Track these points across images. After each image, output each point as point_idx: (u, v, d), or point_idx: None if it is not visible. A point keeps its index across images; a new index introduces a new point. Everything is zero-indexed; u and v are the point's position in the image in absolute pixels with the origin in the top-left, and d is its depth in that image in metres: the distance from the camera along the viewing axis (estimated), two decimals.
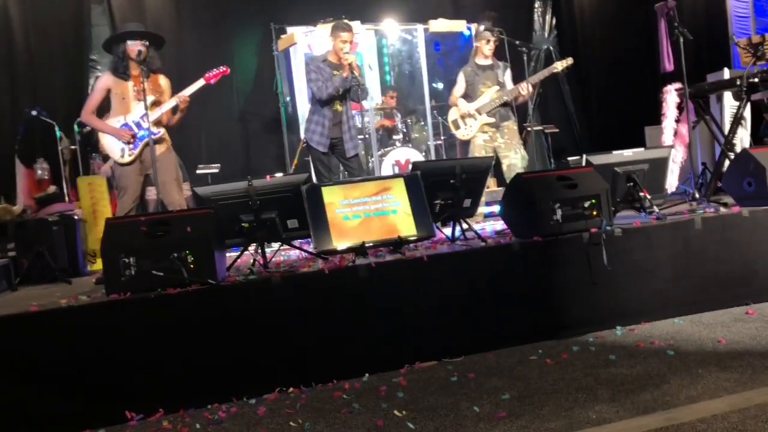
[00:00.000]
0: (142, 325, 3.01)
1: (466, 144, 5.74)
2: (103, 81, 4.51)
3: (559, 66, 5.52)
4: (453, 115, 5.73)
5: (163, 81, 4.62)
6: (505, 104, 5.53)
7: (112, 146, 4.45)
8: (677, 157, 6.13)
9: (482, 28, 5.66)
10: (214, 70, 4.71)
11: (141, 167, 4.48)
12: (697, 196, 4.74)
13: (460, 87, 5.67)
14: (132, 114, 4.44)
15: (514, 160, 5.50)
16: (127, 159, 4.43)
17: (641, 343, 3.30)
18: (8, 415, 2.84)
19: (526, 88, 5.39)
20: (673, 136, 5.65)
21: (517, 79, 5.64)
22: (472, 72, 5.63)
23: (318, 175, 5.27)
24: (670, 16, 4.78)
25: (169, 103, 4.51)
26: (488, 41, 5.57)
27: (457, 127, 5.69)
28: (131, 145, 4.41)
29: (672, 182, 6.27)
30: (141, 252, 3.13)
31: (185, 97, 4.51)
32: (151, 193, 5.91)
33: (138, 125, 4.42)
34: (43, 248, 4.60)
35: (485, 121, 5.52)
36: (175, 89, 4.62)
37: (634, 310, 3.68)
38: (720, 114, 6.43)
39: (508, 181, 5.56)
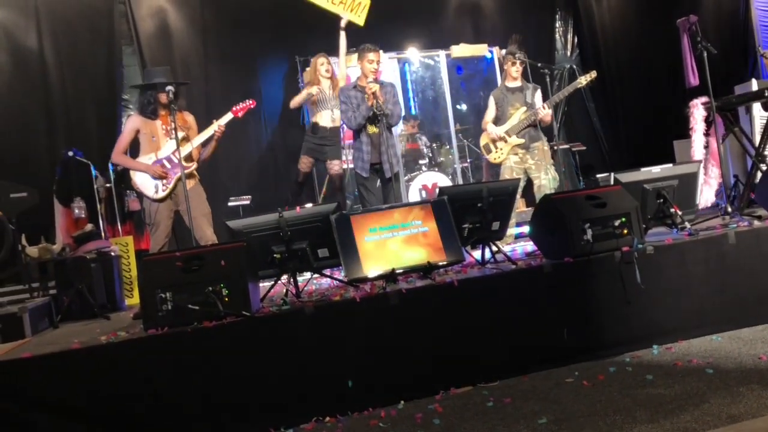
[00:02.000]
0: (179, 359, 3.07)
1: (495, 167, 5.76)
2: (131, 122, 4.67)
3: (584, 80, 5.54)
4: (484, 139, 5.78)
5: (189, 117, 4.77)
6: (533, 125, 5.55)
7: (146, 183, 4.57)
8: (713, 173, 6.06)
9: (506, 51, 5.71)
10: (241, 103, 4.83)
11: (173, 202, 4.60)
12: (729, 210, 4.68)
13: (491, 111, 5.72)
14: (162, 151, 4.57)
15: (545, 181, 5.49)
16: (161, 195, 4.55)
17: (679, 361, 3.26)
18: None
19: (543, 109, 5.43)
20: (703, 150, 5.59)
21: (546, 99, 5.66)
22: (501, 94, 5.68)
23: (362, 201, 5.37)
24: (692, 31, 4.77)
25: (205, 134, 4.64)
26: (514, 63, 5.62)
27: (489, 152, 5.73)
28: (165, 181, 4.53)
29: (708, 197, 6.19)
30: (177, 287, 3.21)
31: (222, 126, 4.64)
32: None
33: (169, 160, 4.54)
34: (82, 285, 4.71)
35: (515, 142, 5.54)
36: (204, 124, 4.75)
37: (670, 328, 3.63)
38: (750, 125, 6.36)
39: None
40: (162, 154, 4.57)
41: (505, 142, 5.58)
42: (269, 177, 7.90)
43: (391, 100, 5.31)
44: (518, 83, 5.67)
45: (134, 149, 4.75)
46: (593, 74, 5.58)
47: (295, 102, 6.50)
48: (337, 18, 6.13)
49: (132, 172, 4.71)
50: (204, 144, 4.70)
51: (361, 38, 5.52)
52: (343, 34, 6.15)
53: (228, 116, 4.73)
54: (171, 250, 4.36)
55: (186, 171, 4.48)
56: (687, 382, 2.94)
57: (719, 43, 7.67)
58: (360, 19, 6.17)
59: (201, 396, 3.05)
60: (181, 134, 4.56)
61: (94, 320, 4.51)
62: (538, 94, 5.68)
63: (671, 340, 3.59)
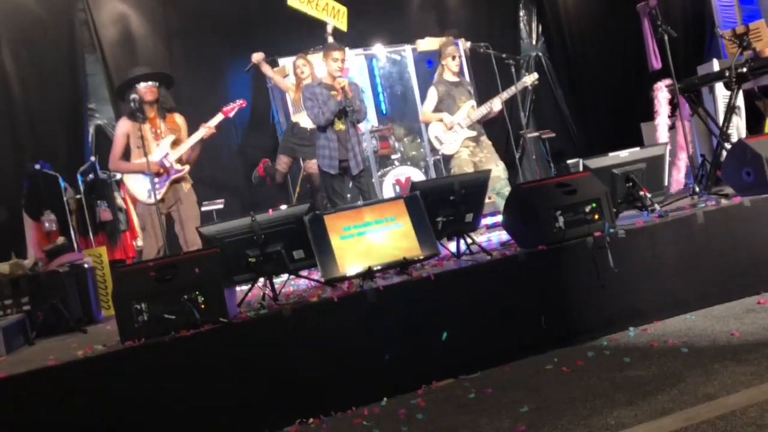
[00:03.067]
0: (158, 370, 3.05)
1: (448, 159, 5.74)
2: (121, 128, 4.62)
3: (528, 80, 5.64)
4: (433, 131, 5.73)
5: (179, 119, 4.73)
6: (479, 121, 5.62)
7: (139, 188, 4.52)
8: (682, 155, 6.15)
9: (468, 44, 5.76)
10: (231, 104, 4.81)
11: (164, 206, 4.57)
12: (697, 189, 4.76)
13: (431, 103, 5.71)
14: (153, 155, 4.51)
15: (497, 172, 5.53)
16: (154, 199, 4.52)
17: (655, 342, 3.31)
18: None
19: (496, 104, 5.48)
20: (668, 132, 5.68)
21: (504, 89, 5.70)
22: (444, 89, 5.68)
23: (331, 202, 5.34)
24: (652, 15, 4.82)
25: (196, 136, 4.60)
26: (454, 57, 5.66)
27: (441, 143, 5.70)
28: (158, 185, 4.48)
29: (679, 179, 6.28)
30: (151, 297, 3.18)
31: (212, 128, 4.61)
32: None
33: (161, 165, 4.50)
34: (56, 300, 4.64)
35: (468, 134, 5.58)
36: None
37: (645, 310, 3.69)
38: (713, 105, 6.46)
39: (491, 192, 5.55)
40: (152, 159, 4.52)
41: (456, 133, 5.59)
42: (241, 179, 7.85)
43: (358, 98, 5.31)
44: (457, 78, 5.73)
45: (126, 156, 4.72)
46: (535, 75, 5.75)
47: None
48: (320, 23, 6.19)
49: (125, 178, 4.66)
50: (193, 147, 4.68)
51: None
52: (330, 39, 6.19)
53: (218, 117, 4.71)
54: (144, 260, 4.33)
55: (179, 174, 4.45)
56: (663, 363, 2.99)
57: (681, 26, 7.80)
58: (343, 26, 6.33)
59: (182, 405, 3.03)
60: (171, 137, 4.52)
61: (70, 334, 4.44)
62: (472, 89, 5.77)
63: (647, 322, 3.65)
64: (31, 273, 5.02)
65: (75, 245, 5.99)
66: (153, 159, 4.50)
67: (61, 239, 5.59)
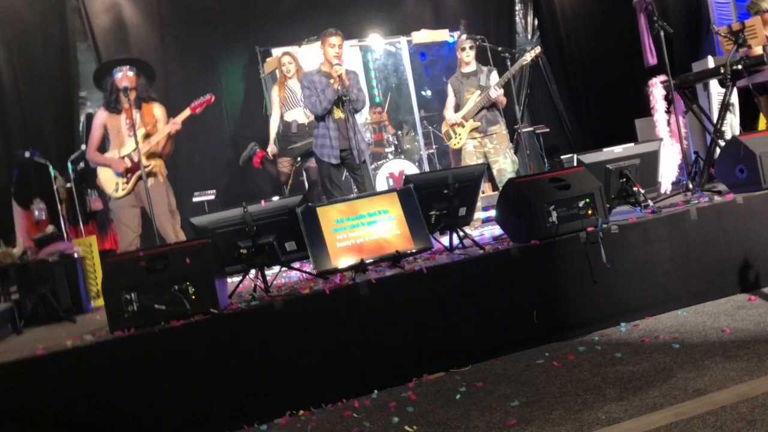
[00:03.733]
0: (148, 360, 3.02)
1: (459, 153, 5.80)
2: (98, 118, 4.58)
3: (528, 57, 5.58)
4: (444, 127, 5.86)
5: (158, 111, 4.67)
6: (491, 108, 5.59)
7: (108, 181, 4.49)
8: (675, 151, 6.15)
9: (464, 37, 5.75)
10: (200, 98, 4.75)
11: (135, 200, 4.53)
12: (691, 186, 4.76)
13: (450, 99, 5.81)
14: (125, 148, 4.48)
15: (504, 164, 5.53)
16: (120, 193, 4.48)
17: (646, 338, 3.31)
18: None
19: (494, 91, 5.46)
20: (667, 128, 5.67)
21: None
22: (457, 81, 5.74)
23: (326, 193, 5.27)
24: (648, 11, 4.81)
25: (162, 132, 4.55)
26: (464, 49, 5.67)
27: (449, 138, 5.79)
28: (124, 180, 4.44)
29: (673, 175, 6.27)
30: (142, 287, 3.15)
31: (177, 123, 4.55)
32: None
33: (131, 158, 4.46)
34: (45, 289, 4.60)
35: (472, 126, 5.59)
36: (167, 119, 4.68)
37: (637, 306, 3.69)
38: (708, 102, 6.46)
39: (499, 185, 5.59)
40: (124, 151, 4.49)
41: (462, 126, 5.62)
42: (233, 170, 7.81)
43: (356, 86, 5.25)
44: (472, 68, 5.72)
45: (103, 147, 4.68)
46: (538, 49, 5.64)
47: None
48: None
49: (98, 170, 4.62)
50: (164, 141, 4.63)
51: (322, 25, 5.46)
52: None
53: (185, 113, 4.65)
54: (134, 250, 4.30)
55: (146, 169, 4.39)
56: (654, 358, 2.99)
57: (677, 21, 7.80)
58: None
59: (172, 396, 3.01)
60: (142, 130, 4.47)
61: (59, 324, 4.41)
62: (494, 75, 5.72)
63: (638, 317, 3.65)
64: (20, 262, 4.98)
65: (65, 234, 5.94)
66: (124, 152, 4.48)
67: (50, 228, 5.53)
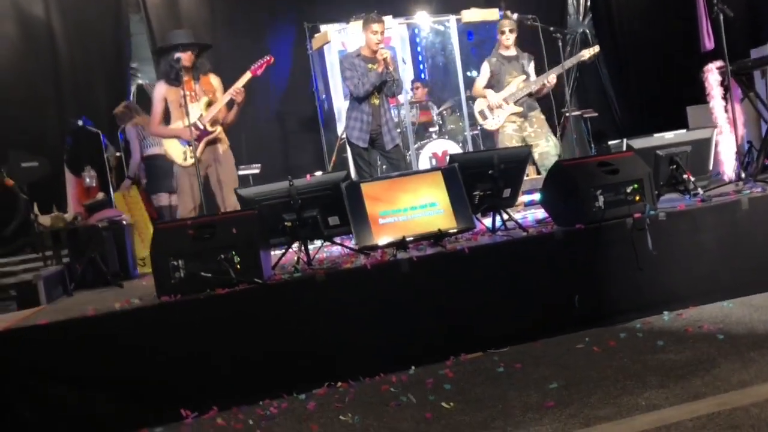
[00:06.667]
0: (193, 326, 3.10)
1: (494, 134, 5.72)
2: (159, 91, 4.69)
3: (587, 54, 5.50)
4: (480, 105, 5.70)
5: (215, 81, 4.77)
6: (530, 96, 5.52)
7: (176, 151, 4.60)
8: (730, 138, 5.97)
9: (514, 16, 5.65)
10: (259, 61, 4.80)
11: (201, 166, 4.64)
12: (743, 175, 4.63)
13: (483, 78, 5.65)
14: (189, 117, 4.57)
15: (546, 147, 5.46)
16: (190, 161, 4.59)
17: (689, 327, 3.26)
18: (68, 416, 2.96)
19: (549, 81, 5.38)
20: (724, 115, 5.51)
21: (551, 65, 5.59)
22: (497, 63, 5.60)
23: (358, 171, 5.33)
24: None
25: (223, 99, 4.64)
26: (503, 32, 5.56)
27: (485, 118, 5.66)
28: (191, 148, 4.54)
29: (727, 163, 6.09)
30: (189, 255, 3.22)
31: (240, 89, 4.63)
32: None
33: (196, 127, 4.55)
34: (94, 254, 4.74)
35: (513, 110, 5.50)
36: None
37: (681, 295, 3.62)
38: (766, 90, 6.25)
39: (541, 169, 5.53)
40: (188, 121, 4.59)
41: (503, 109, 5.53)
42: (277, 145, 7.90)
43: (396, 70, 5.28)
44: (513, 52, 5.63)
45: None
46: (596, 48, 5.62)
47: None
48: None
49: (164, 142, 4.73)
50: (229, 108, 4.72)
51: (371, 3, 5.44)
52: None
53: (246, 76, 4.71)
54: (182, 218, 4.39)
55: (211, 136, 4.50)
56: (697, 348, 2.94)
57: (737, 4, 7.51)
58: None
59: (213, 362, 3.09)
60: (205, 99, 4.56)
61: (107, 288, 4.55)
62: (532, 64, 5.64)
63: (682, 307, 3.58)
64: (71, 226, 5.14)
65: (113, 202, 6.10)
66: (186, 123, 4.57)
67: (100, 195, 5.69)
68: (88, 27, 6.93)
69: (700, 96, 5.74)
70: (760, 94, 5.70)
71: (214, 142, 4.60)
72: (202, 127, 4.51)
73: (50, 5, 6.77)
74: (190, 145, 4.54)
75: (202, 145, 4.58)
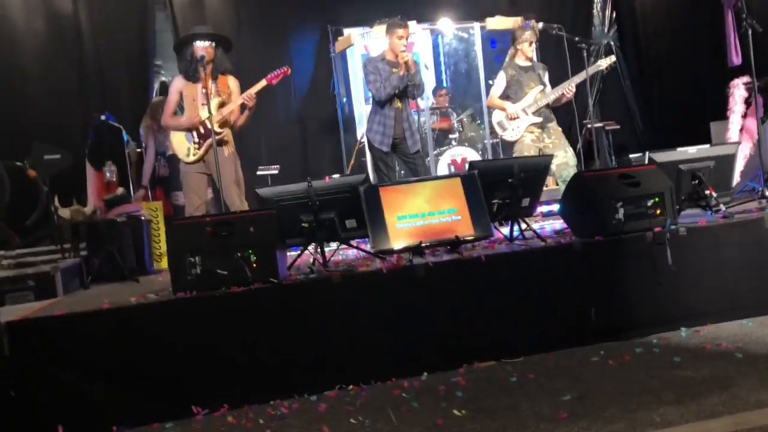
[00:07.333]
0: (207, 323, 3.11)
1: (512, 145, 5.65)
2: (175, 85, 4.72)
3: (603, 64, 5.45)
4: (498, 116, 5.63)
5: (232, 83, 4.78)
6: (547, 106, 5.48)
7: (180, 146, 4.63)
8: (744, 153, 5.91)
9: (540, 25, 5.61)
10: (276, 70, 4.80)
11: (204, 167, 4.65)
12: (766, 193, 4.56)
13: (499, 88, 5.58)
14: (200, 116, 4.60)
15: (565, 158, 5.40)
16: (192, 158, 4.62)
17: (707, 344, 3.21)
18: (81, 406, 2.97)
19: (569, 89, 5.33)
20: (739, 132, 5.44)
21: (574, 74, 5.55)
22: (515, 73, 5.55)
23: (378, 175, 5.34)
24: (737, 8, 4.61)
25: (235, 103, 4.65)
26: (531, 43, 5.52)
27: (504, 129, 5.59)
28: (196, 146, 4.56)
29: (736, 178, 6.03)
30: (206, 252, 3.24)
31: (252, 95, 4.64)
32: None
33: (204, 126, 4.58)
34: (112, 248, 4.77)
35: (532, 121, 5.45)
36: (240, 91, 4.77)
37: (699, 312, 3.58)
38: None
39: (559, 179, 5.49)
40: (199, 120, 4.61)
41: (521, 120, 5.49)
42: (297, 146, 7.91)
43: (419, 74, 5.29)
44: (529, 63, 5.58)
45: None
46: (612, 58, 5.59)
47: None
48: None
49: (172, 134, 4.76)
50: (241, 110, 4.73)
51: (396, 7, 5.45)
52: None
53: (261, 83, 4.72)
54: (201, 215, 4.41)
55: (217, 137, 4.50)
56: (715, 365, 2.90)
57: (766, 21, 7.42)
58: None
59: (226, 360, 3.09)
60: (217, 99, 4.58)
61: (124, 282, 4.58)
62: (547, 74, 5.60)
63: (700, 324, 3.54)
64: (90, 220, 5.18)
65: (132, 197, 6.14)
66: (199, 120, 4.60)
67: (120, 190, 5.73)
68: (114, 23, 6.99)
69: (725, 111, 5.68)
70: None
71: (219, 143, 4.61)
72: (209, 126, 4.53)
73: (78, 0, 6.86)
74: (195, 143, 4.57)
75: (206, 145, 4.59)
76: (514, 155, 5.58)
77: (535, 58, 5.63)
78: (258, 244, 3.26)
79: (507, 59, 5.68)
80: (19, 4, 6.72)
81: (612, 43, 8.93)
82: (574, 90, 5.39)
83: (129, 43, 7.09)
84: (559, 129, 5.56)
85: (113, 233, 4.93)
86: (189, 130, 4.63)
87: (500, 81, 5.60)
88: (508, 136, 5.60)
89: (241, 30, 7.58)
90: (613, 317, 3.51)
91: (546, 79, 5.58)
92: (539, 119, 5.46)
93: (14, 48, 6.63)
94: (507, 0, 8.45)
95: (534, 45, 5.56)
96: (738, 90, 5.40)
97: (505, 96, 5.57)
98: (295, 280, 3.32)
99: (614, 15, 8.95)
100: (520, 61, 5.58)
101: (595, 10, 8.97)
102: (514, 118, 5.48)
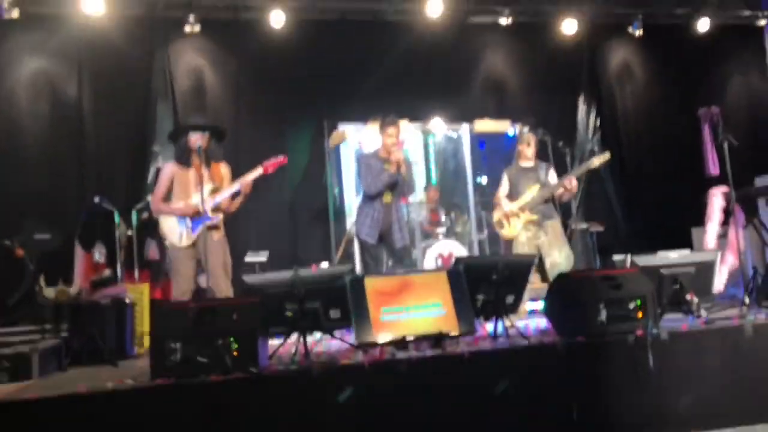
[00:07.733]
0: (183, 411, 3.05)
1: (510, 242, 5.78)
2: (168, 170, 4.80)
3: (596, 161, 5.62)
4: (497, 215, 5.82)
5: (224, 169, 4.88)
6: (547, 202, 5.61)
7: (172, 230, 4.66)
8: (728, 263, 6.01)
9: (525, 130, 5.84)
10: (272, 159, 4.91)
11: (194, 252, 4.67)
12: (747, 301, 4.62)
13: (504, 188, 5.81)
14: (192, 200, 4.66)
15: (558, 258, 5.49)
16: (185, 243, 4.64)
17: None
18: None
19: (570, 182, 5.47)
20: (716, 240, 5.56)
21: (560, 176, 5.71)
22: (515, 173, 5.76)
23: (365, 266, 5.37)
24: (714, 122, 4.83)
25: (230, 189, 4.73)
26: (529, 144, 5.73)
27: (502, 227, 5.76)
28: (190, 229, 4.60)
29: (719, 287, 6.10)
30: (187, 338, 3.22)
31: (248, 182, 4.72)
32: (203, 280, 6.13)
33: (197, 211, 4.63)
34: (94, 330, 4.72)
35: (528, 218, 5.58)
36: (233, 177, 4.87)
37: (682, 418, 3.54)
38: None
39: (551, 279, 5.54)
40: (191, 203, 4.68)
41: (518, 217, 5.62)
42: (287, 235, 7.96)
43: (409, 170, 5.43)
44: (531, 163, 5.78)
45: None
46: (606, 155, 5.70)
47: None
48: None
49: (162, 219, 4.79)
50: (233, 197, 4.81)
51: (390, 105, 5.65)
52: None
53: (257, 171, 4.81)
54: (185, 300, 4.40)
55: (212, 222, 4.57)
56: None
57: (743, 133, 7.73)
58: None
59: None
60: (210, 186, 4.66)
61: (102, 366, 4.50)
62: (552, 171, 5.76)
63: (683, 430, 3.49)
64: (74, 301, 5.15)
65: (119, 279, 6.13)
66: (191, 204, 4.67)
67: (107, 272, 5.74)
68: (116, 109, 7.21)
69: (704, 218, 5.82)
70: (765, 222, 5.78)
71: (210, 228, 4.67)
72: (203, 211, 4.60)
73: (83, 85, 7.08)
74: (188, 227, 4.61)
75: (200, 229, 4.64)
76: (513, 252, 5.68)
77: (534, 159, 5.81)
78: (241, 333, 3.25)
79: (514, 159, 5.90)
80: (26, 85, 6.97)
81: (595, 148, 9.22)
82: (575, 183, 5.52)
83: (130, 129, 7.28)
84: (559, 227, 5.65)
85: (96, 315, 4.89)
86: (183, 215, 4.67)
87: (504, 181, 5.84)
88: (506, 233, 5.74)
89: (240, 119, 7.80)
90: (595, 418, 3.47)
91: (550, 176, 5.72)
92: (535, 216, 5.58)
93: (17, 128, 6.84)
94: (494, 104, 8.78)
95: (533, 146, 5.76)
96: (716, 198, 5.55)
97: (510, 195, 5.75)
98: (275, 371, 3.28)
99: (598, 122, 9.30)
100: (522, 162, 5.79)
101: (579, 116, 9.32)
102: (512, 216, 5.62)
